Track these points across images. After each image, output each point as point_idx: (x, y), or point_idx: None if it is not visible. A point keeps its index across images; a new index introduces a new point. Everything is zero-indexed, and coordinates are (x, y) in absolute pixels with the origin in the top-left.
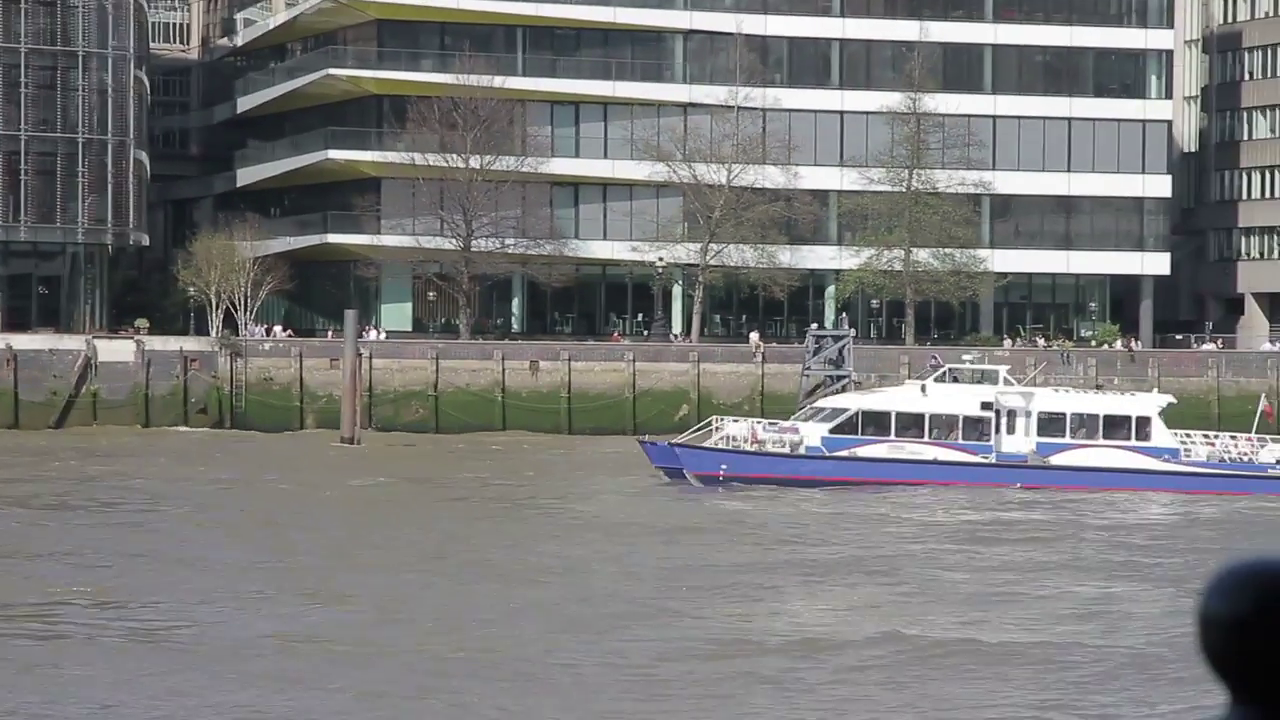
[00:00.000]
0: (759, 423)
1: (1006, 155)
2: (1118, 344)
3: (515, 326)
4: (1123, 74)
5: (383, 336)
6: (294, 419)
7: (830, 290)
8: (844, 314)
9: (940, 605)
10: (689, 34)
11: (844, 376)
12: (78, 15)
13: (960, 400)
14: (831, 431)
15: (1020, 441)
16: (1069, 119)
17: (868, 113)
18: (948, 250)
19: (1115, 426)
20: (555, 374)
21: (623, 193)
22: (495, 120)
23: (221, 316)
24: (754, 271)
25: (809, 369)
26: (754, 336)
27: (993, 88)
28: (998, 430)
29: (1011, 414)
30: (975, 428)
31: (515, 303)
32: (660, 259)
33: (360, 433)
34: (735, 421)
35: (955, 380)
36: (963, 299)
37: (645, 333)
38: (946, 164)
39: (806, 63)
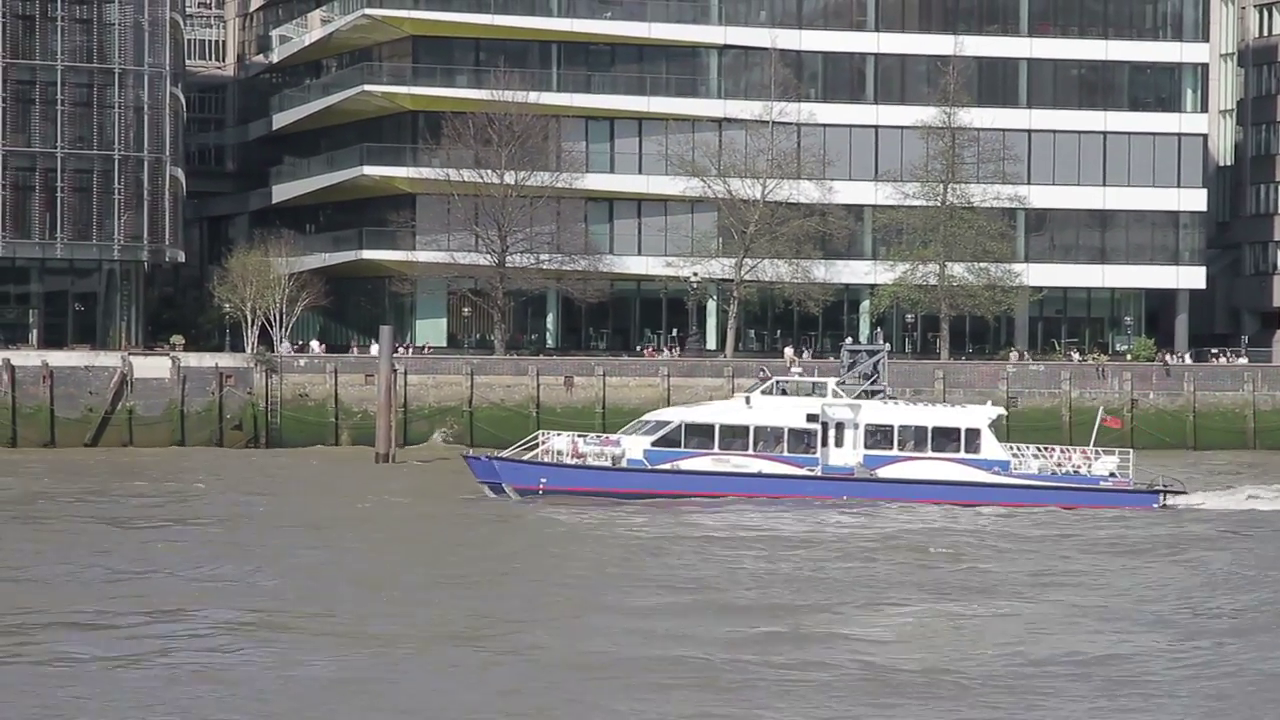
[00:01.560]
0: (580, 436)
1: (1042, 169)
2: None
3: (549, 342)
4: (1158, 88)
5: (399, 352)
6: (329, 435)
7: (865, 305)
8: (879, 329)
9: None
10: (723, 49)
11: (879, 391)
12: (114, 33)
13: (785, 412)
14: (654, 444)
15: (847, 454)
16: (1104, 133)
17: (902, 127)
18: (983, 264)
19: (944, 438)
20: (590, 389)
21: (657, 208)
22: (530, 136)
23: (257, 333)
24: (788, 286)
25: (843, 384)
26: (788, 351)
27: (1028, 102)
28: (824, 443)
29: (839, 426)
30: (801, 440)
31: (550, 318)
32: (695, 274)
33: (395, 450)
34: (559, 435)
35: (784, 392)
36: (998, 313)
37: (666, 347)
38: (981, 178)
39: (841, 77)
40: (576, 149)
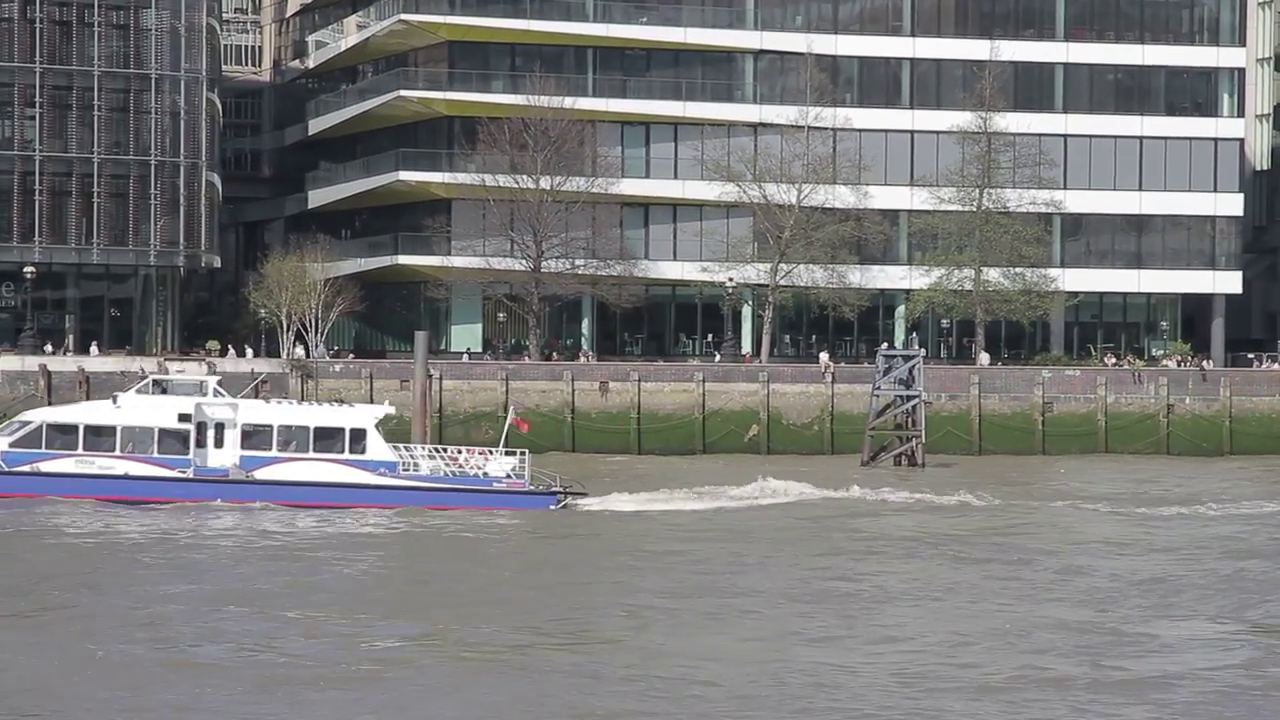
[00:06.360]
0: None
1: (1078, 174)
2: (1162, 362)
3: (585, 347)
4: (1194, 92)
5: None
6: None
7: (900, 310)
8: (914, 334)
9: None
10: (759, 54)
11: (914, 396)
12: (150, 39)
13: (156, 412)
14: (12, 445)
15: (224, 455)
16: (1140, 137)
17: (938, 132)
18: (1018, 270)
19: (327, 439)
20: (625, 395)
21: (693, 213)
22: (565, 141)
23: (292, 338)
24: (824, 291)
25: (879, 389)
26: (824, 356)
27: (1064, 106)
28: (200, 444)
29: (219, 426)
30: (173, 441)
31: (585, 324)
32: (730, 279)
33: None
34: None
35: (164, 391)
36: (1033, 318)
37: (713, 354)
38: (1017, 183)
39: (877, 82)
40: (612, 154)
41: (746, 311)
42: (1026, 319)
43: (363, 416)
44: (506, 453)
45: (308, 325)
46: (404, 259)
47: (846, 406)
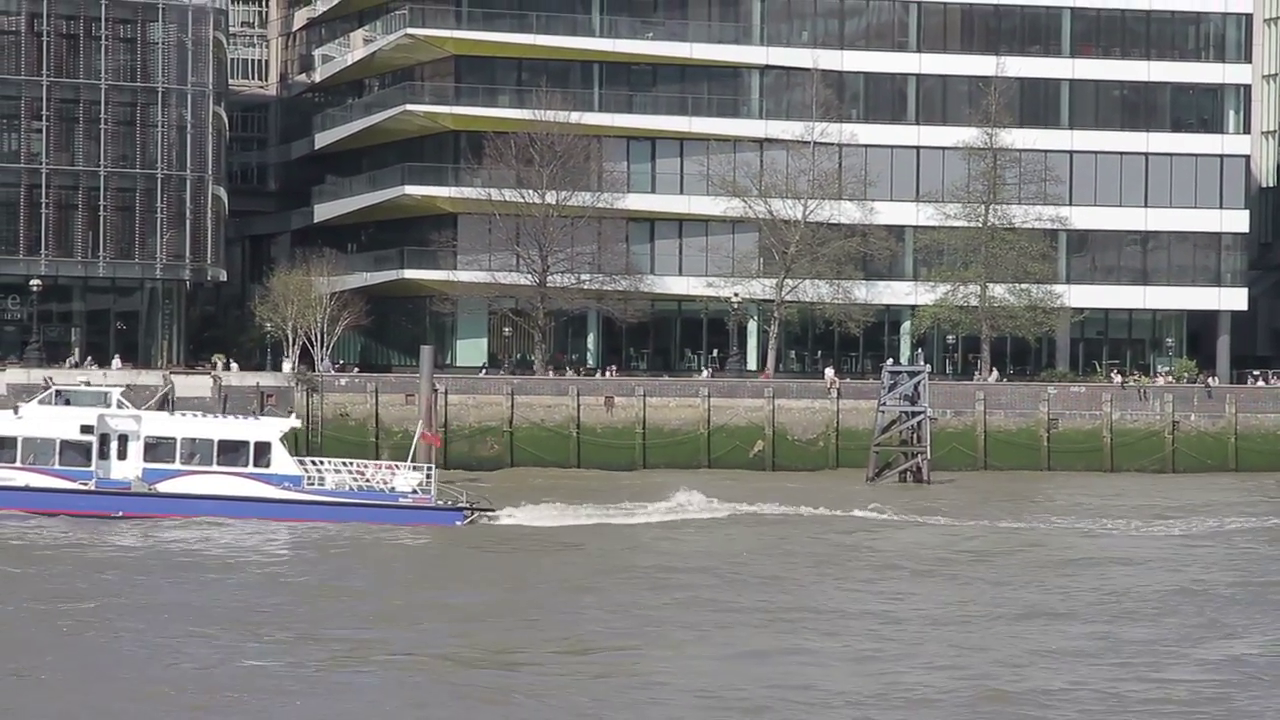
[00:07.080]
0: None
1: (1084, 190)
2: (1157, 379)
3: (590, 362)
4: (1200, 109)
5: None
6: (369, 454)
7: (906, 326)
8: (919, 350)
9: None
10: (765, 69)
11: (919, 412)
12: (157, 52)
13: (58, 424)
14: None
15: (127, 467)
16: (1146, 154)
17: (944, 148)
18: (1024, 286)
19: (231, 452)
20: (630, 409)
21: (698, 228)
22: (571, 156)
23: (298, 352)
24: (829, 307)
25: (884, 405)
26: (829, 372)
27: (1070, 123)
28: (103, 456)
29: (121, 438)
30: (75, 452)
31: (590, 338)
32: (736, 294)
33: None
34: None
35: (68, 402)
36: (1039, 334)
37: (708, 370)
38: (1023, 199)
39: (883, 98)
40: (618, 169)
41: (752, 327)
42: (1032, 335)
43: (268, 430)
44: (413, 468)
45: (313, 339)
46: (410, 273)
47: (852, 422)
